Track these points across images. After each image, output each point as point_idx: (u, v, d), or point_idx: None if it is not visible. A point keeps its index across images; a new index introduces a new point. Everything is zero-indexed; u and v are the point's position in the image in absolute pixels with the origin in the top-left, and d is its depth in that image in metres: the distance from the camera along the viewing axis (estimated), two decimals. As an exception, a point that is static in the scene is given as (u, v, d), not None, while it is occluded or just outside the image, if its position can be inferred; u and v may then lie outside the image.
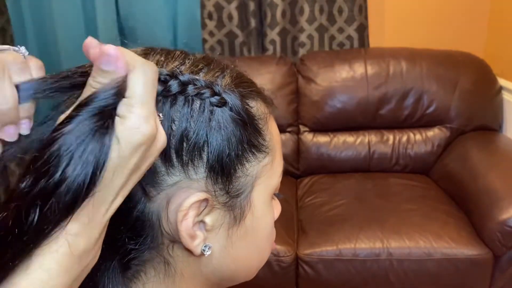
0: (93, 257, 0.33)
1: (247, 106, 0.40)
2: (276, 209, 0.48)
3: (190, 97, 0.38)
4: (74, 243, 0.31)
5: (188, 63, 0.40)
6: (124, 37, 2.14)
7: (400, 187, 1.84)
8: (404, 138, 2.01)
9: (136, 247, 0.40)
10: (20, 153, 0.34)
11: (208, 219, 0.40)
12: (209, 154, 0.38)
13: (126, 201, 0.36)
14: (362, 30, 2.11)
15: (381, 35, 2.23)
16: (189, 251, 0.40)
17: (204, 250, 0.40)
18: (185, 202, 0.38)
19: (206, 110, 0.38)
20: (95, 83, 0.32)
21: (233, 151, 0.39)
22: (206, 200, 0.39)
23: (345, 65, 2.00)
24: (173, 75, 0.37)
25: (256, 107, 0.42)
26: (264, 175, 0.42)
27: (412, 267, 1.53)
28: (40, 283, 0.29)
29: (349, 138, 2.01)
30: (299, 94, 2.03)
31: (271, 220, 0.45)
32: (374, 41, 2.17)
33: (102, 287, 0.40)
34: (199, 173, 0.38)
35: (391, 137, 2.01)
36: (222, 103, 0.38)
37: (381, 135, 2.02)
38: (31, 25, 2.07)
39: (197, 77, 0.39)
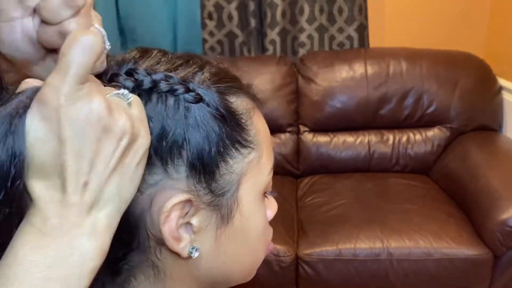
0: (80, 240, 0.32)
1: (226, 102, 0.39)
2: (271, 208, 0.46)
3: (163, 94, 0.37)
4: (38, 220, 0.31)
5: (164, 61, 0.40)
6: (124, 37, 2.14)
7: (400, 187, 1.84)
8: (404, 138, 2.01)
9: (123, 249, 0.39)
10: None
11: (194, 221, 0.39)
12: (188, 152, 0.37)
13: None
14: (362, 30, 2.11)
15: (381, 35, 2.22)
16: (177, 254, 0.39)
17: (191, 253, 0.39)
18: (167, 203, 0.37)
19: (181, 107, 0.37)
20: None
21: (214, 148, 0.38)
22: (189, 201, 0.38)
23: (345, 65, 2.00)
24: (146, 73, 0.37)
25: (237, 102, 0.41)
26: (250, 171, 0.41)
27: (412, 267, 1.53)
28: (11, 261, 0.30)
29: (349, 138, 2.01)
30: (299, 94, 2.03)
31: (262, 220, 0.44)
32: (374, 41, 2.17)
33: None
34: (180, 172, 0.37)
35: (391, 137, 2.01)
36: (198, 99, 0.38)
37: (381, 135, 2.02)
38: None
39: (171, 74, 0.38)
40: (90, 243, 0.32)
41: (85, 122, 0.31)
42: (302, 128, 2.04)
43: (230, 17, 2.10)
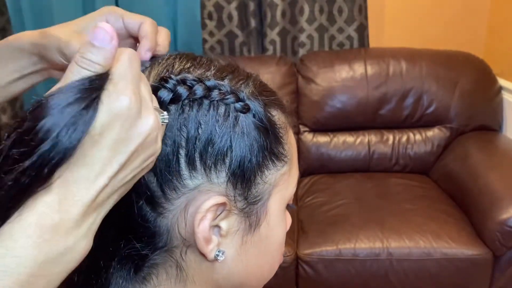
0: (76, 240, 0.31)
1: (269, 114, 0.41)
2: (287, 221, 0.48)
3: (215, 102, 0.38)
4: (45, 213, 0.30)
5: (214, 69, 0.41)
6: (124, 37, 2.13)
7: (400, 187, 1.84)
8: (404, 138, 2.01)
9: (148, 248, 0.40)
10: None
11: (223, 224, 0.40)
12: (232, 159, 0.38)
13: (137, 202, 0.37)
14: (362, 30, 2.11)
15: (381, 35, 2.23)
16: (203, 256, 0.40)
17: (217, 255, 0.40)
18: (204, 204, 0.38)
19: (231, 116, 0.38)
20: (83, 60, 0.31)
21: (255, 158, 0.39)
22: (224, 204, 0.39)
23: (345, 65, 2.00)
24: (199, 80, 0.38)
25: (278, 116, 0.42)
26: (281, 184, 0.43)
27: (412, 267, 1.53)
28: (4, 250, 0.28)
29: (349, 138, 2.01)
30: (299, 94, 2.03)
31: (283, 231, 0.46)
32: (374, 41, 2.17)
33: (111, 285, 0.40)
34: (221, 177, 0.38)
35: (391, 137, 2.01)
36: (246, 109, 0.39)
37: (381, 135, 2.02)
38: (31, 25, 2.07)
39: (223, 83, 0.39)
40: (83, 244, 0.32)
41: (131, 127, 0.32)
42: (302, 128, 2.04)
43: (230, 17, 2.10)
